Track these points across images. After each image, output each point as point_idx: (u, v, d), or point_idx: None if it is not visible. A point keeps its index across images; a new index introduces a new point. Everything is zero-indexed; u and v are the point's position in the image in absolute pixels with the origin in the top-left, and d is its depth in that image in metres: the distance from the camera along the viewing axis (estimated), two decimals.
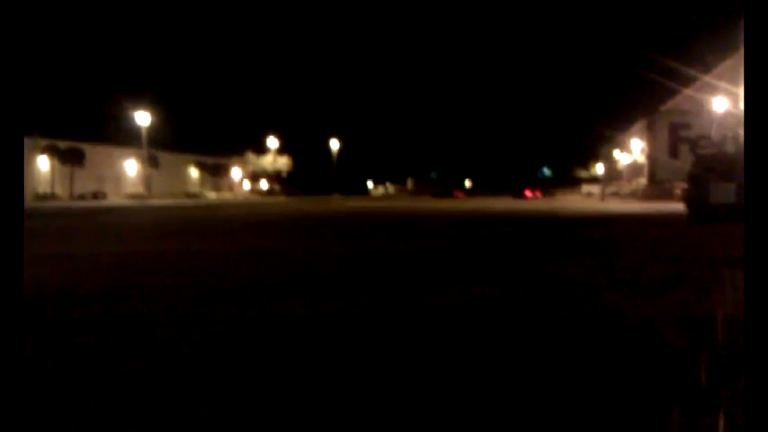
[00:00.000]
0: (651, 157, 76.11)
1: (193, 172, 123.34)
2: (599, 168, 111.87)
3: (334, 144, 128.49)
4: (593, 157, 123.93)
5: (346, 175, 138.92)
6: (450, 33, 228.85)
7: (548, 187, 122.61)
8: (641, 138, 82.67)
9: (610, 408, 2.80)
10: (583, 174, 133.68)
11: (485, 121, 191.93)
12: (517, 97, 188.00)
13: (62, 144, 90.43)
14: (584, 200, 70.52)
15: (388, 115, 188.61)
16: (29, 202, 75.00)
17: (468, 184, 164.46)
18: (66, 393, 3.09)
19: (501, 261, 8.85)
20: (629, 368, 3.39)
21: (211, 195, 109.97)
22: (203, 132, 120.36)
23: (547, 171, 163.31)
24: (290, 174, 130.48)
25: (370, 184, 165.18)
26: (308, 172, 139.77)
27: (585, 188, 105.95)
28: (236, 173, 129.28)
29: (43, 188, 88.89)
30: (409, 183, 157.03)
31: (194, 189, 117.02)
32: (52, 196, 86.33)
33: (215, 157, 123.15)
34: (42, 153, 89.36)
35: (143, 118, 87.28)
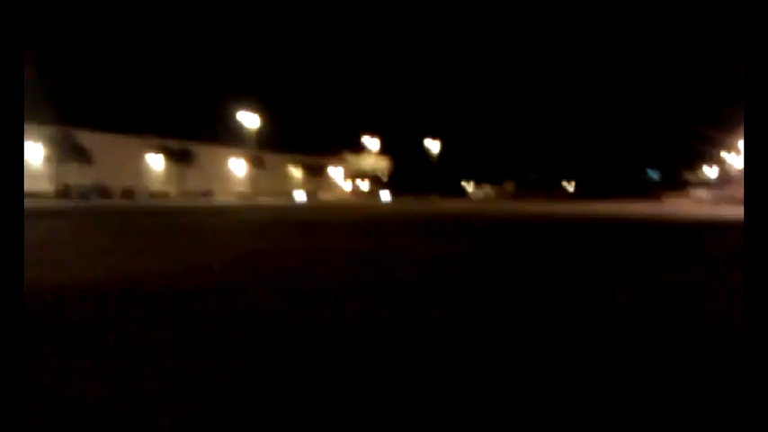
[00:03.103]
0: None
1: (296, 172, 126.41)
2: (708, 171, 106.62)
3: (434, 145, 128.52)
4: (701, 159, 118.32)
5: (445, 177, 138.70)
6: (555, 32, 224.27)
7: (654, 191, 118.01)
8: None
9: None
10: (690, 177, 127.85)
11: (588, 122, 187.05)
12: (622, 97, 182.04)
13: (174, 144, 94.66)
14: (698, 205, 67.46)
15: (489, 116, 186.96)
16: (145, 200, 78.92)
17: (570, 186, 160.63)
18: None
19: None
20: None
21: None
22: (305, 133, 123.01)
23: (653, 173, 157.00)
24: (389, 175, 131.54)
25: (468, 186, 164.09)
26: (406, 173, 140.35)
27: (696, 191, 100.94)
28: (336, 173, 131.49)
29: (156, 186, 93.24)
30: (509, 184, 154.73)
31: (297, 189, 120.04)
32: (165, 195, 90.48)
33: (316, 158, 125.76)
34: (156, 152, 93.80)
35: (250, 119, 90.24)
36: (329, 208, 46.25)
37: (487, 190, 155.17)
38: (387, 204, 61.97)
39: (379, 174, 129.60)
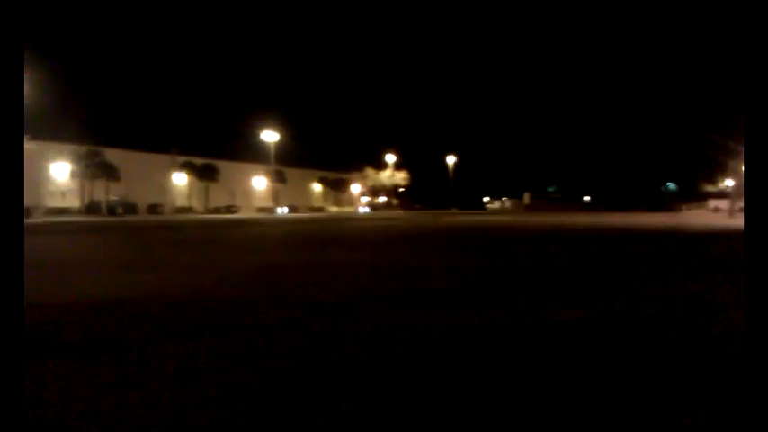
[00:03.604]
0: None
1: (316, 186, 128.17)
2: (726, 182, 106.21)
3: (451, 159, 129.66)
4: (720, 170, 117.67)
5: (462, 190, 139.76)
6: (572, 46, 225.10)
7: (673, 202, 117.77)
8: None
9: None
10: (710, 188, 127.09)
11: (606, 134, 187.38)
12: (640, 109, 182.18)
13: (198, 161, 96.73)
14: (710, 216, 66.90)
15: (505, 130, 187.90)
16: (168, 214, 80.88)
17: (586, 198, 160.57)
18: None
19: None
20: None
21: (333, 209, 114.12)
22: (325, 148, 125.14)
23: (672, 185, 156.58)
24: (407, 188, 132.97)
25: (485, 199, 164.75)
26: (425, 187, 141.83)
27: (713, 203, 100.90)
28: (355, 187, 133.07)
29: (181, 202, 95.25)
30: (526, 197, 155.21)
31: (317, 203, 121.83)
32: (189, 209, 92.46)
33: (336, 173, 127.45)
34: (180, 169, 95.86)
35: (271, 136, 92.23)
36: (344, 221, 46.55)
37: (504, 202, 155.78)
38: (398, 218, 62.78)
39: (398, 188, 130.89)
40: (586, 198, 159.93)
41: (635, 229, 28.00)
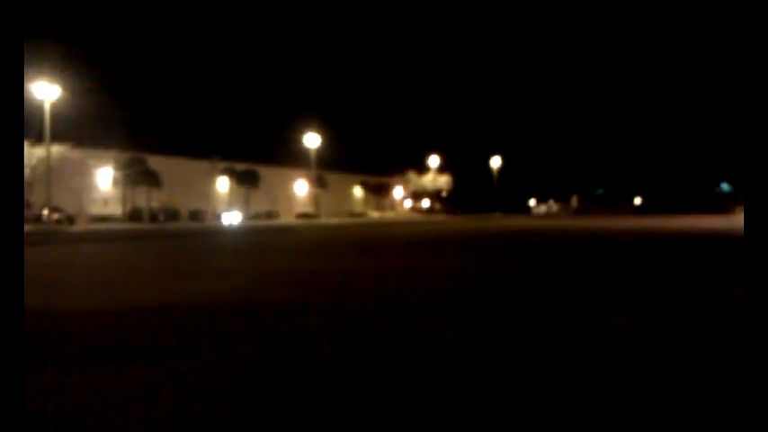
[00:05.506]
0: None
1: (357, 191, 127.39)
2: None
3: (496, 161, 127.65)
4: None
5: (507, 193, 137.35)
6: (624, 46, 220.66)
7: (726, 204, 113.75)
8: None
9: None
10: None
11: (657, 134, 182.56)
12: (692, 108, 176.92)
13: (239, 166, 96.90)
14: None
15: (552, 131, 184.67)
16: (210, 221, 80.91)
17: (637, 201, 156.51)
18: None
19: None
20: None
21: (375, 214, 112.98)
22: (367, 152, 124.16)
23: (726, 186, 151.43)
24: (450, 192, 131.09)
25: (531, 202, 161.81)
26: (468, 190, 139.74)
27: None
28: (397, 191, 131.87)
29: (223, 208, 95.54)
30: (574, 200, 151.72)
31: (359, 208, 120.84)
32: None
33: (377, 177, 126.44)
34: (222, 175, 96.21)
35: (313, 140, 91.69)
36: (388, 226, 46.16)
37: (551, 206, 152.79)
38: (443, 222, 61.68)
39: (441, 192, 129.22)
40: (636, 201, 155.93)
41: (696, 234, 26.56)
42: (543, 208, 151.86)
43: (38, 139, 57.64)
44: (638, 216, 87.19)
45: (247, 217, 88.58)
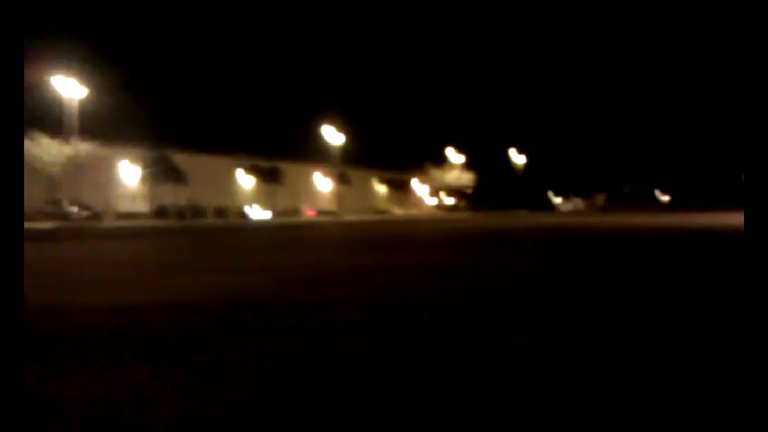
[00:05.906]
0: None
1: (381, 188, 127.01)
2: None
3: (519, 158, 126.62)
4: None
5: (531, 190, 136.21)
6: (649, 39, 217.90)
7: None
8: None
9: None
10: None
11: (684, 129, 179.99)
12: (720, 102, 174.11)
13: (263, 163, 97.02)
14: None
15: (577, 126, 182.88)
16: (233, 218, 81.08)
17: (664, 197, 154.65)
18: None
19: None
20: None
21: (398, 211, 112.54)
22: (390, 149, 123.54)
23: None
24: (474, 189, 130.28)
25: (557, 200, 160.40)
26: (492, 187, 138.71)
27: None
28: (421, 189, 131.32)
29: (247, 205, 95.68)
30: (600, 197, 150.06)
31: (382, 205, 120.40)
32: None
33: (400, 173, 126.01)
34: (246, 171, 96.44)
35: (335, 136, 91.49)
36: (413, 223, 46.05)
37: (577, 203, 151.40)
38: (468, 219, 61.19)
39: (465, 189, 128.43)
40: (664, 198, 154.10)
41: (722, 231, 26.00)
42: (570, 205, 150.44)
43: (66, 136, 57.98)
44: (669, 213, 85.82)
45: (275, 214, 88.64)
